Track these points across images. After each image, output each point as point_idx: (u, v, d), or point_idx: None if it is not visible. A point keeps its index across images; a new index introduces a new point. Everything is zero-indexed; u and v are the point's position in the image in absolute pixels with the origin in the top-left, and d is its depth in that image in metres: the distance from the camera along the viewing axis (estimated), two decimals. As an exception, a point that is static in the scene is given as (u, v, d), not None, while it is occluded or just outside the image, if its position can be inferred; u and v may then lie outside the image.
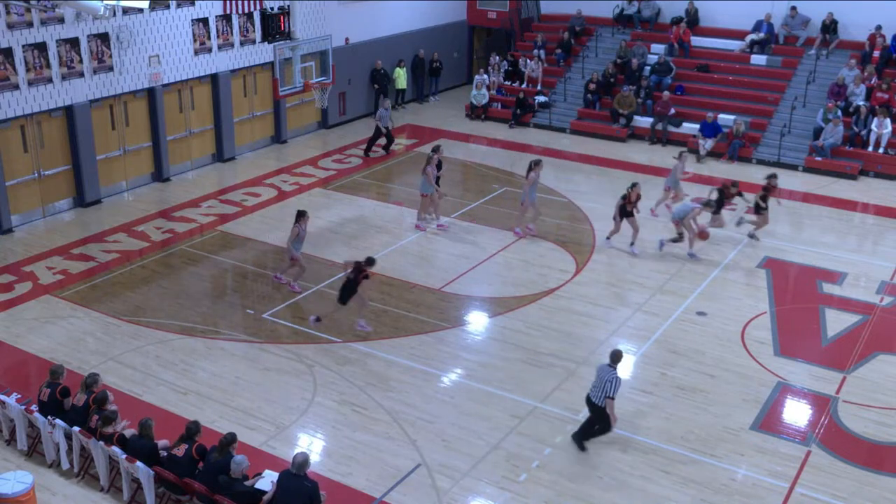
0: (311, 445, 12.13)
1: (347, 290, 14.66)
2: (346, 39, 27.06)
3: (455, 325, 15.37)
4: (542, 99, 28.37)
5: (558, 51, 29.82)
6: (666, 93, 26.60)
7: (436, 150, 19.99)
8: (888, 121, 23.89)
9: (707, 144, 24.91)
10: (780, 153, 24.54)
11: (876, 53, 26.10)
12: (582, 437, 12.04)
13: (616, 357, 11.71)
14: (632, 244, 18.42)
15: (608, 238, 18.71)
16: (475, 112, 28.79)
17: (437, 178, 19.72)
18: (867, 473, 11.74)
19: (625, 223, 18.21)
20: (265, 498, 9.88)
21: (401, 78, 29.37)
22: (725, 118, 25.37)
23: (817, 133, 24.40)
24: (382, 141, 24.97)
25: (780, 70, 27.15)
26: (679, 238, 18.26)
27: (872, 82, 25.26)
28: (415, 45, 30.13)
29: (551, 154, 25.16)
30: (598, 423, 11.84)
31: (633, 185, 18.37)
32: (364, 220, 20.10)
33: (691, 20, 28.81)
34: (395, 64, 29.08)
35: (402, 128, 27.74)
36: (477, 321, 15.76)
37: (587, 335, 15.14)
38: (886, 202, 21.67)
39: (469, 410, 12.99)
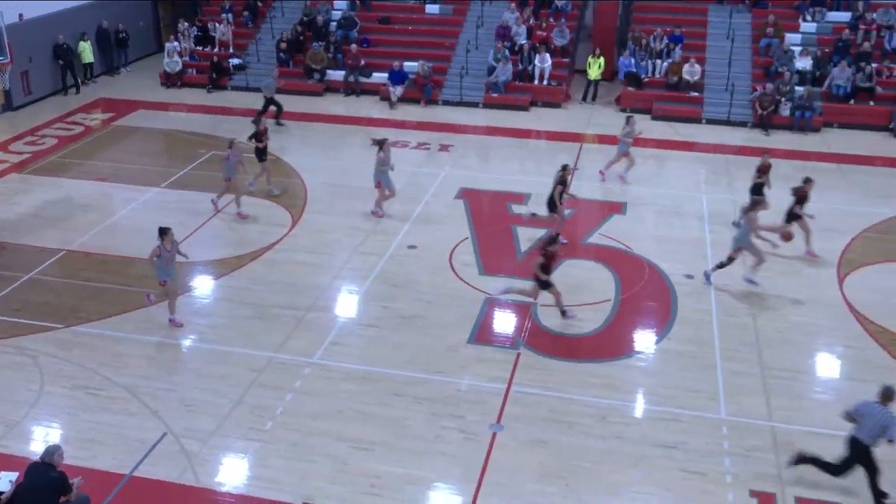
0: (47, 436, 11.23)
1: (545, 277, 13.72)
2: (20, 15, 24.51)
3: (182, 291, 14.77)
4: (236, 61, 27.54)
5: (246, 13, 29.03)
6: (353, 46, 26.83)
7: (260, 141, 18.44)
8: (547, 55, 25.76)
9: (398, 91, 25.52)
10: (462, 93, 25.70)
11: (531, -3, 27.97)
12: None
13: (889, 394, 9.89)
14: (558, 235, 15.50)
15: (558, 234, 15.22)
16: (170, 80, 27.42)
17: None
18: (568, 363, 12.88)
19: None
20: (3, 497, 9.07)
21: (86, 52, 27.20)
22: (410, 65, 26.07)
23: (491, 72, 25.81)
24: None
25: (452, 17, 28.30)
26: (728, 262, 14.83)
27: (531, 23, 27.06)
28: (97, 17, 27.95)
29: (253, 115, 24.59)
30: (867, 468, 9.98)
31: (565, 168, 16.39)
32: (70, 201, 18.60)
33: (367, -24, 29.14)
34: (78, 38, 26.87)
35: (95, 103, 25.84)
36: (203, 285, 15.26)
37: (311, 283, 15.17)
38: (553, 128, 23.45)
39: (207, 372, 12.63)
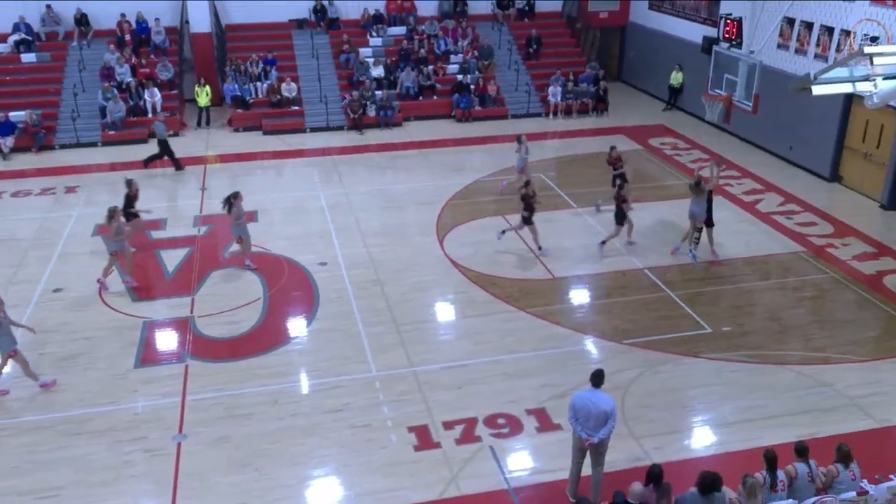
0: None
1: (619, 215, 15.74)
2: None
3: None
4: None
5: None
6: (-52, 103, 23.21)
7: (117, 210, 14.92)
8: (156, 90, 24.49)
9: (8, 142, 22.59)
10: (77, 135, 23.49)
11: (128, 37, 26.26)
12: None
13: None
14: None
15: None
16: None
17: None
18: (234, 363, 12.54)
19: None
20: None
21: None
22: (18, 115, 23.19)
23: (103, 111, 23.89)
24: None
25: (51, 64, 25.62)
26: (698, 234, 15.61)
27: (133, 61, 25.47)
28: None
29: None
30: None
31: (527, 184, 15.87)
32: None
33: (-51, 31, 25.31)
34: None
35: None
36: None
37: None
38: (176, 155, 22.43)
39: None
